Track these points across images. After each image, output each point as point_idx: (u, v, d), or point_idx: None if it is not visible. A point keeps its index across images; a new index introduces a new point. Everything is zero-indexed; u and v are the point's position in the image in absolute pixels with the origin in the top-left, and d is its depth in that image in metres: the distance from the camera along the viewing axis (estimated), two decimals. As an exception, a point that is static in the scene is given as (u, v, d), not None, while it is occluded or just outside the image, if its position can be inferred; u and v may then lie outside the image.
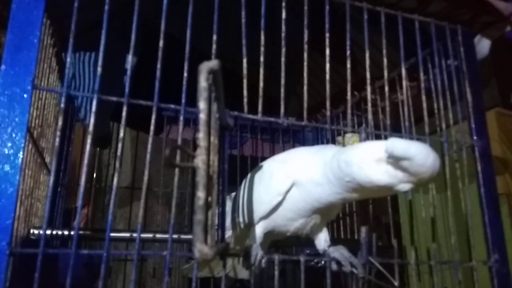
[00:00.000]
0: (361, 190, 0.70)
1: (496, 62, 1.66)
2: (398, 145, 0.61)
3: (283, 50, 0.85)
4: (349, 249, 0.84)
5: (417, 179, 0.63)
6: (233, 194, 0.99)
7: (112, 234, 0.72)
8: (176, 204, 0.75)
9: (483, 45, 1.12)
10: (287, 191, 0.79)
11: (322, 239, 0.88)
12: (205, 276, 1.07)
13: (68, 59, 0.73)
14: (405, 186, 0.65)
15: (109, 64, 0.77)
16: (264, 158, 0.93)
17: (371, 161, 0.65)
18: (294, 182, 0.78)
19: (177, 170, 0.72)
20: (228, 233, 0.95)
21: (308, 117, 0.86)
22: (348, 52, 0.90)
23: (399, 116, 1.20)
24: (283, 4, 0.87)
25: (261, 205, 0.83)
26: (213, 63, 0.51)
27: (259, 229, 0.85)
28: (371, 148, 0.67)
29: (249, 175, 0.89)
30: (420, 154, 0.60)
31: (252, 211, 0.84)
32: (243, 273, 1.03)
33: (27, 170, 0.86)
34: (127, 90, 0.74)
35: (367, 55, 0.92)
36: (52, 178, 0.68)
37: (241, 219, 0.88)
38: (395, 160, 0.62)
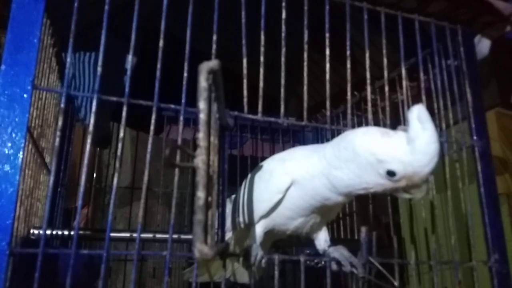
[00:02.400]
0: (350, 163, 0.69)
1: (496, 62, 1.65)
2: (425, 111, 0.63)
3: (283, 50, 0.85)
4: (349, 249, 0.84)
5: (413, 159, 0.64)
6: (233, 196, 0.99)
7: (112, 234, 0.72)
8: (176, 204, 0.75)
9: (483, 45, 1.12)
10: (287, 189, 0.79)
11: (322, 239, 0.88)
12: (205, 281, 1.07)
13: (68, 59, 0.73)
14: (398, 167, 0.65)
15: (109, 64, 0.77)
16: (264, 158, 0.93)
17: (377, 131, 0.68)
18: (293, 181, 0.79)
19: (177, 170, 0.72)
20: (228, 234, 0.95)
21: (308, 117, 0.86)
22: (348, 52, 0.90)
23: (399, 116, 1.20)
24: (283, 4, 0.87)
25: (261, 204, 0.83)
26: (213, 63, 0.51)
27: (259, 229, 0.85)
28: (380, 127, 0.71)
29: (249, 175, 0.90)
30: (433, 132, 0.62)
31: (252, 210, 0.85)
32: (243, 278, 1.03)
33: (27, 170, 0.86)
34: (127, 90, 0.74)
35: (367, 55, 0.92)
36: (52, 178, 0.68)
37: (241, 219, 0.88)
38: (409, 124, 0.64)
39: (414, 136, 0.63)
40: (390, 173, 0.66)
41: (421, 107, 0.64)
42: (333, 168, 0.72)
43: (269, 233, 0.88)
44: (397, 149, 0.65)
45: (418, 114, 0.63)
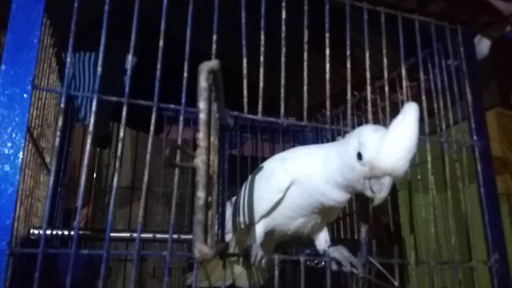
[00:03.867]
0: (341, 145, 0.72)
1: (496, 62, 1.65)
2: (415, 109, 0.64)
3: (283, 50, 0.85)
4: (349, 249, 0.84)
5: (380, 147, 0.65)
6: (234, 198, 0.99)
7: (112, 234, 0.72)
8: (176, 204, 0.75)
9: (483, 45, 1.12)
10: (287, 188, 0.79)
11: (322, 240, 0.88)
12: (206, 287, 1.06)
13: (68, 59, 0.73)
14: (366, 151, 0.66)
15: (109, 64, 0.77)
16: (264, 158, 0.93)
17: (371, 129, 0.70)
18: (294, 180, 0.79)
19: (177, 170, 0.72)
20: (229, 236, 0.95)
21: (308, 117, 0.86)
22: (348, 52, 0.90)
23: (399, 116, 1.20)
24: (283, 4, 0.87)
25: (261, 203, 0.83)
26: (213, 63, 0.51)
27: (260, 228, 0.85)
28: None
29: (250, 177, 0.90)
30: (409, 129, 0.63)
31: (253, 210, 0.85)
32: (244, 284, 1.03)
33: (27, 170, 0.86)
34: (127, 90, 0.74)
35: (367, 55, 0.92)
36: (52, 178, 0.68)
37: (241, 219, 0.88)
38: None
39: (391, 127, 0.65)
40: (359, 156, 0.67)
41: (414, 104, 0.65)
42: (330, 150, 0.76)
43: (270, 234, 0.87)
44: (374, 136, 0.67)
45: (406, 109, 0.64)
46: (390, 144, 0.64)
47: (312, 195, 0.78)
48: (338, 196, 0.76)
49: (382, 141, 0.65)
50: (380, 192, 0.67)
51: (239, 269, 1.00)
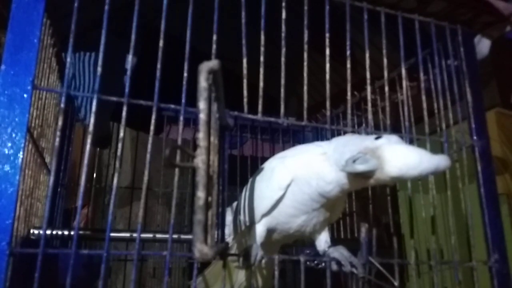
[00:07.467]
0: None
1: (496, 62, 1.65)
2: (446, 163, 0.68)
3: (283, 50, 0.85)
4: (349, 249, 0.84)
5: (400, 145, 0.69)
6: (234, 203, 0.99)
7: (112, 234, 0.72)
8: (176, 204, 0.75)
9: (483, 45, 1.12)
10: (288, 186, 0.79)
11: (322, 240, 0.88)
12: None
13: (68, 59, 0.73)
14: (385, 137, 0.71)
15: (109, 64, 0.77)
16: (264, 158, 0.94)
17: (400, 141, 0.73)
18: (294, 177, 0.79)
19: (177, 170, 0.72)
20: (229, 240, 0.94)
21: (308, 117, 0.86)
22: (348, 52, 0.90)
23: (399, 116, 1.20)
24: (283, 4, 0.87)
25: (262, 201, 0.83)
26: (213, 63, 0.51)
27: (261, 227, 0.85)
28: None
29: (251, 178, 0.90)
30: (429, 159, 0.67)
31: (253, 209, 0.85)
32: None
33: (27, 170, 0.86)
34: (127, 90, 0.74)
35: (367, 55, 0.92)
36: (52, 178, 0.68)
37: (242, 218, 0.88)
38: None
39: (426, 151, 0.69)
40: (378, 137, 0.71)
41: (449, 163, 0.69)
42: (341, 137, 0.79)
43: (272, 233, 0.87)
44: (407, 143, 0.72)
45: (444, 157, 0.68)
46: (411, 150, 0.68)
47: (310, 183, 0.78)
48: (330, 174, 0.75)
49: (408, 145, 0.69)
50: (359, 163, 0.69)
51: (241, 277, 0.99)
